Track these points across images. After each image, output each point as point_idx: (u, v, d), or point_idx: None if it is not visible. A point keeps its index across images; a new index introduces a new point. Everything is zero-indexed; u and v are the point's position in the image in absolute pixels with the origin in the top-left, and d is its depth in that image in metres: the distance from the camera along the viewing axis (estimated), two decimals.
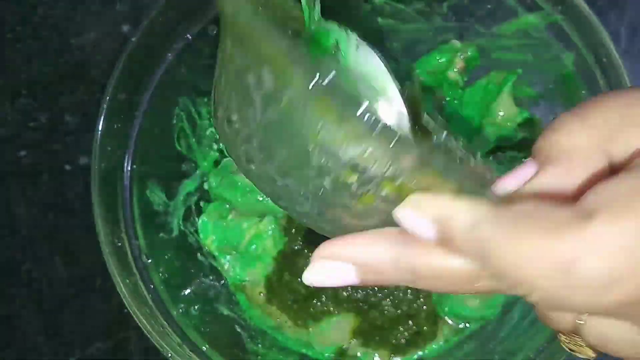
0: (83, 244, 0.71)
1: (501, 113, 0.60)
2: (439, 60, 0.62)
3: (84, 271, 0.71)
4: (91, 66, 0.72)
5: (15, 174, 0.72)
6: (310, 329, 0.61)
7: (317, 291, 0.60)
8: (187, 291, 0.58)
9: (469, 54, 0.61)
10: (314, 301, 0.59)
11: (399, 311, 0.59)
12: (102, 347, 0.70)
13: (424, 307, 0.59)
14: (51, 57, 0.73)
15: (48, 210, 0.72)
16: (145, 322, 0.50)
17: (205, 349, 0.53)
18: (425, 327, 0.60)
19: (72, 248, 0.71)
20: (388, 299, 0.58)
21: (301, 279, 0.58)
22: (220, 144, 0.64)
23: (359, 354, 0.61)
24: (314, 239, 0.58)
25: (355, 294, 0.58)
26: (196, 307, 0.57)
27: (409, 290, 0.58)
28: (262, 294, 0.62)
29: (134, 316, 0.50)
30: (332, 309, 0.59)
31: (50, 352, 0.70)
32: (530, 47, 0.56)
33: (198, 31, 0.56)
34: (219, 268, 0.62)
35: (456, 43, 0.61)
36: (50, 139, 0.72)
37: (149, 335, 0.50)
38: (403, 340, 0.60)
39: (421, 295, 0.59)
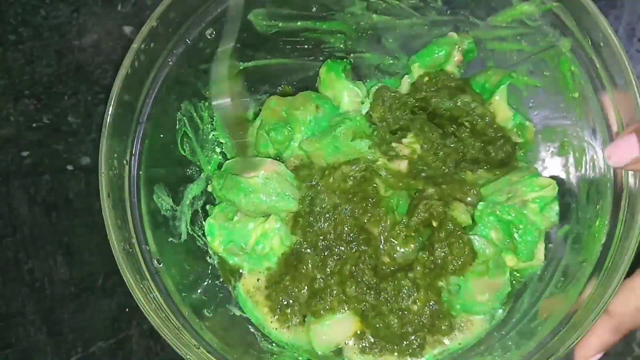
0: (85, 244, 0.71)
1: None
2: (437, 54, 0.62)
3: (86, 270, 0.71)
4: (93, 67, 0.73)
5: (17, 174, 0.72)
6: (312, 325, 0.61)
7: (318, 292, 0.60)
8: (199, 293, 0.58)
9: (466, 46, 0.61)
10: (317, 299, 0.59)
11: (407, 318, 0.59)
12: (104, 346, 0.70)
13: (435, 307, 0.59)
14: (53, 59, 0.73)
15: (50, 210, 0.72)
16: (161, 325, 0.50)
17: (220, 349, 0.53)
18: (442, 327, 0.59)
19: (74, 247, 0.72)
20: (397, 310, 0.58)
21: (302, 285, 0.59)
22: (223, 148, 0.64)
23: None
24: (317, 241, 0.59)
25: (363, 294, 0.58)
26: (209, 309, 0.57)
27: (416, 298, 0.58)
28: (261, 290, 0.62)
29: (150, 320, 0.50)
30: (335, 306, 0.59)
31: (52, 350, 0.71)
32: (526, 36, 0.56)
33: (196, 35, 0.56)
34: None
35: (453, 35, 0.61)
36: (52, 139, 0.72)
37: (166, 339, 0.50)
38: (416, 345, 0.59)
39: (432, 302, 0.59)
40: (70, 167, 0.72)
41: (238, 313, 0.61)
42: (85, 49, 0.73)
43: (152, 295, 0.52)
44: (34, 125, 0.73)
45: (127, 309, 0.70)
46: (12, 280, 0.71)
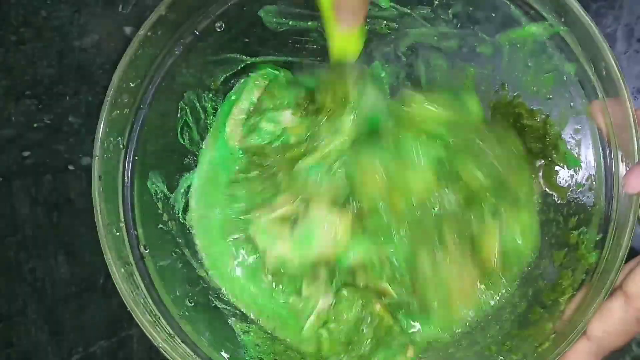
0: (86, 243, 0.71)
1: None
2: None
3: (87, 270, 0.71)
4: (94, 68, 0.73)
5: (19, 174, 0.72)
6: None
7: None
8: (183, 282, 0.58)
9: None
10: None
11: None
12: (105, 345, 0.71)
13: None
14: (54, 59, 0.73)
15: (51, 210, 0.72)
16: (138, 312, 0.51)
17: (196, 340, 0.54)
18: None
19: (75, 247, 0.72)
20: None
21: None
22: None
23: None
24: None
25: None
26: (191, 298, 0.57)
27: None
28: None
29: (127, 305, 0.50)
30: None
31: (53, 350, 0.71)
32: (532, 57, 0.57)
33: (205, 26, 0.56)
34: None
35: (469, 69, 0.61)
36: (53, 139, 0.73)
37: (140, 325, 0.50)
38: None
39: None
40: (71, 167, 0.72)
41: (220, 305, 0.61)
42: (86, 50, 0.74)
43: (133, 281, 0.52)
44: (35, 125, 0.73)
45: (128, 309, 0.70)
46: (13, 280, 0.71)
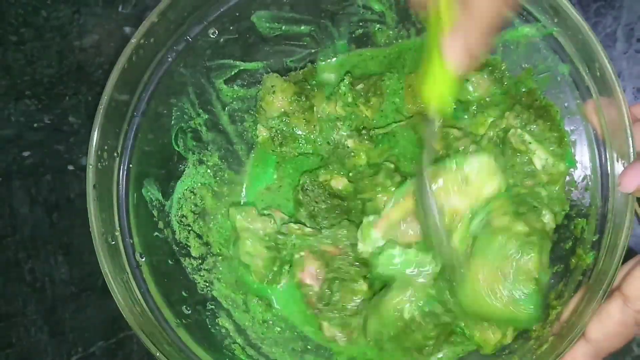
0: (85, 244, 0.71)
1: None
2: None
3: (86, 270, 0.71)
4: (94, 68, 0.73)
5: (18, 174, 0.72)
6: None
7: None
8: (180, 290, 0.58)
9: None
10: None
11: None
12: (104, 346, 0.71)
13: None
14: (54, 59, 0.73)
15: (51, 210, 0.72)
16: (134, 321, 0.50)
17: (193, 347, 0.53)
18: None
19: (75, 248, 0.72)
20: None
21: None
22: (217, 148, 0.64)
23: None
24: None
25: None
26: (188, 306, 0.57)
27: None
28: None
29: (124, 314, 0.50)
30: None
31: (53, 350, 0.71)
32: (526, 58, 0.56)
33: (198, 33, 0.56)
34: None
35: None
36: (53, 139, 0.73)
37: (138, 334, 0.50)
38: None
39: None
40: (71, 168, 0.72)
41: (218, 312, 0.61)
42: (86, 50, 0.74)
43: (129, 289, 0.52)
44: (35, 125, 0.73)
45: None
46: (13, 280, 0.71)
